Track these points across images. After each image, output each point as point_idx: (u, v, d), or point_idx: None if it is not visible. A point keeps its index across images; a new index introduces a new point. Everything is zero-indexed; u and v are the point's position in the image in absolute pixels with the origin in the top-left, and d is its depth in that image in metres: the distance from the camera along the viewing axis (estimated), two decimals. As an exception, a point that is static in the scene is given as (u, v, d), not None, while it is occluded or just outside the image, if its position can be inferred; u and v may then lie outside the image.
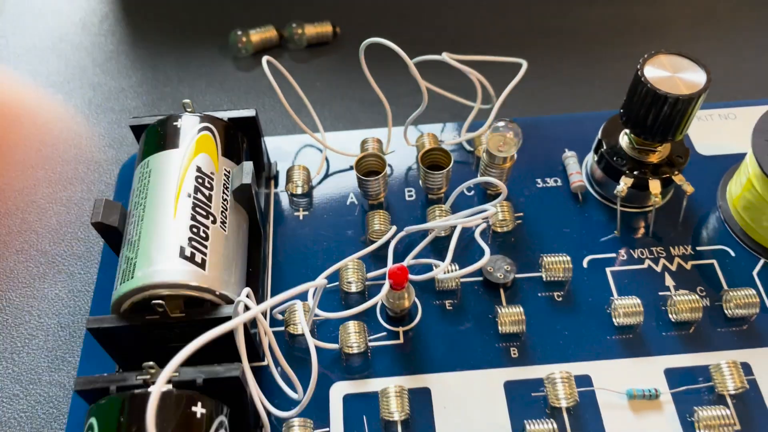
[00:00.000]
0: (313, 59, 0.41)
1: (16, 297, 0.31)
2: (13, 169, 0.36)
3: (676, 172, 0.30)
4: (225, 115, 0.30)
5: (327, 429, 0.26)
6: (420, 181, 0.33)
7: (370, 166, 0.32)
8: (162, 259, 0.25)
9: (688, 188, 0.30)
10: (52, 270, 0.32)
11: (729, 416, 0.25)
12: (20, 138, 0.37)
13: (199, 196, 0.27)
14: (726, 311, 0.28)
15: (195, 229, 0.26)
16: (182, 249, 0.25)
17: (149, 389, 0.22)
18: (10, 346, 0.30)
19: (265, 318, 0.29)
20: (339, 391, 0.27)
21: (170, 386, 0.23)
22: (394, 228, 0.31)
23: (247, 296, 0.24)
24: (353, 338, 0.28)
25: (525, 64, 0.35)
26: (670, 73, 0.28)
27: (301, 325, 0.27)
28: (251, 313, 0.21)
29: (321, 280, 0.24)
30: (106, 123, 0.38)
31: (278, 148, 0.35)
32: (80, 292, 0.32)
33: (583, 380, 0.27)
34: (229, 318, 0.24)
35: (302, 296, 0.28)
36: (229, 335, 0.24)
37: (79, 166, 0.36)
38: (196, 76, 0.40)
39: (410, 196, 0.33)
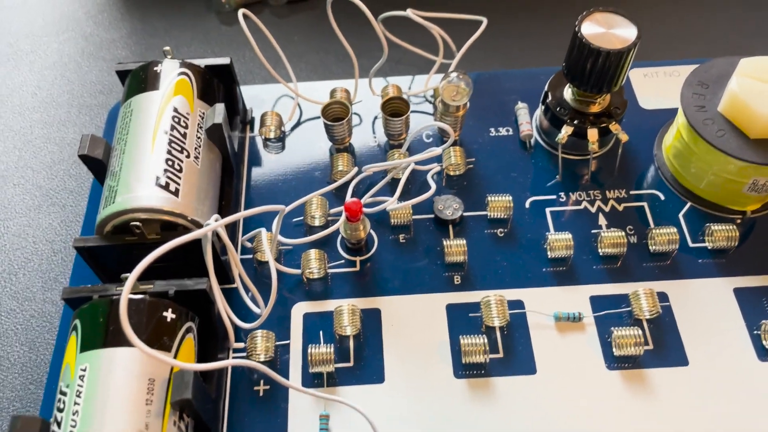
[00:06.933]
0: (292, 15, 0.44)
1: (13, 226, 0.35)
2: (11, 112, 0.39)
3: (614, 122, 0.33)
4: (202, 62, 0.33)
5: (288, 341, 0.30)
6: (383, 128, 0.35)
7: (335, 113, 0.35)
8: (140, 186, 0.28)
9: (623, 137, 0.33)
10: (46, 202, 0.35)
11: (640, 336, 0.28)
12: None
13: (175, 133, 0.30)
14: (650, 247, 0.31)
15: (170, 162, 0.29)
16: (158, 178, 0.28)
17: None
18: (8, 268, 0.33)
19: (236, 247, 0.32)
20: (300, 310, 0.30)
21: (146, 296, 0.26)
22: (355, 169, 0.34)
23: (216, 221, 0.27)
24: (314, 264, 0.31)
25: (485, 22, 0.38)
26: (605, 29, 0.30)
27: (265, 250, 0.30)
28: (213, 226, 0.24)
29: (279, 206, 0.27)
30: (97, 71, 0.41)
31: (255, 96, 0.38)
32: (71, 222, 0.35)
33: (516, 304, 0.30)
34: (198, 240, 0.28)
35: (269, 228, 0.32)
36: (202, 259, 0.27)
37: (72, 109, 0.39)
38: (182, 30, 0.43)
39: (374, 142, 0.36)
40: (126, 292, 0.21)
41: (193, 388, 0.23)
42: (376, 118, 0.37)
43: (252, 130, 0.37)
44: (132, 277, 0.21)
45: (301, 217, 0.33)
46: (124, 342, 0.24)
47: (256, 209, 0.25)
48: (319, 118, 0.37)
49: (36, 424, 0.23)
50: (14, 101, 0.39)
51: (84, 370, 0.24)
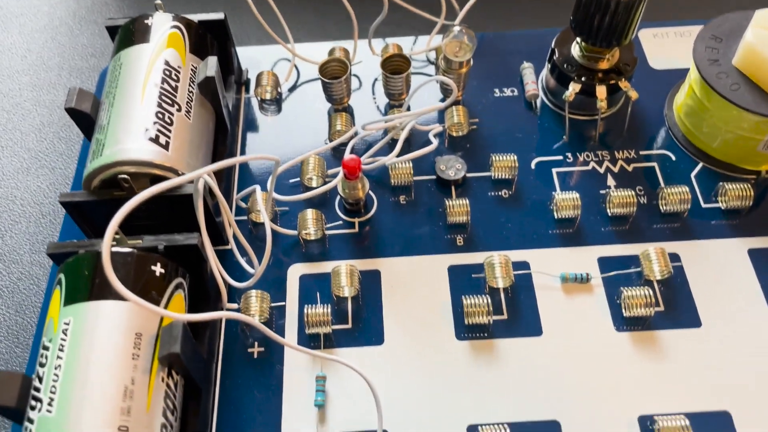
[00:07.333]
0: (289, -22, 0.42)
1: (1, 188, 0.34)
2: (0, 74, 0.38)
3: (623, 79, 0.32)
4: (195, 17, 0.32)
5: (283, 303, 0.28)
6: (383, 89, 0.34)
7: (333, 71, 0.33)
8: (129, 139, 0.27)
9: (633, 94, 0.31)
10: (35, 165, 0.34)
11: (651, 296, 0.27)
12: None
13: (166, 86, 0.28)
14: (661, 207, 0.30)
15: (160, 115, 0.27)
16: (147, 130, 0.27)
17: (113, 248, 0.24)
18: (-6, 231, 0.32)
19: (231, 207, 0.31)
20: (296, 271, 0.29)
21: (134, 250, 0.25)
22: (354, 128, 0.33)
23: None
24: (310, 225, 0.30)
25: (489, -20, 0.36)
26: (615, -21, 0.29)
27: (260, 209, 0.29)
28: (203, 170, 0.23)
29: (275, 156, 0.25)
30: (89, 34, 0.40)
31: (251, 57, 0.37)
32: (60, 185, 0.34)
33: (522, 265, 0.29)
34: (190, 195, 0.26)
35: (263, 187, 0.31)
36: (195, 220, 0.26)
37: (63, 72, 0.38)
38: (177, -8, 0.42)
39: (374, 103, 0.35)
40: (109, 234, 0.20)
41: (181, 342, 0.22)
42: (375, 80, 0.36)
43: (247, 91, 0.35)
44: (115, 219, 0.20)
45: (298, 178, 0.32)
46: (110, 295, 0.23)
47: (250, 156, 0.24)
48: (317, 79, 0.36)
49: (16, 379, 0.22)
50: (3, 64, 0.38)
51: (68, 324, 0.22)
